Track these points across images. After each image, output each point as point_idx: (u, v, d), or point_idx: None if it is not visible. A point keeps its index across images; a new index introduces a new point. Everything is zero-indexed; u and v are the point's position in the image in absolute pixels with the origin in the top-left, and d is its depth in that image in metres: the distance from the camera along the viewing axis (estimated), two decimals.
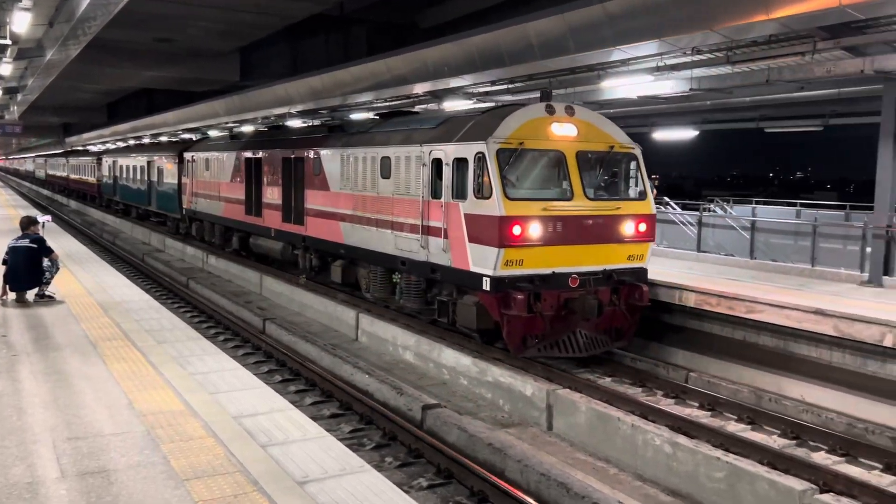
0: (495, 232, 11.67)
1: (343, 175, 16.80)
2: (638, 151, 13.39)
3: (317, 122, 25.39)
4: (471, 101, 20.26)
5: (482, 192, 11.97)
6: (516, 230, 11.69)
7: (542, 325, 12.09)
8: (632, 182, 13.48)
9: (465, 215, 12.37)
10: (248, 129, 29.06)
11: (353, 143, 16.63)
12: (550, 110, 12.70)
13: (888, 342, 10.41)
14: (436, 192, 13.27)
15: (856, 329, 10.83)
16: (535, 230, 11.91)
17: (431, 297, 14.20)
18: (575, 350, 12.44)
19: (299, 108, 24.88)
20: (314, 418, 9.17)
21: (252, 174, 22.33)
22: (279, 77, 24.88)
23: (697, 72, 15.70)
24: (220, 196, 25.10)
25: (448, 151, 12.83)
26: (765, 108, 22.66)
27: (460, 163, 12.63)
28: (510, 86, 19.02)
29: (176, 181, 30.02)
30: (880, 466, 9.03)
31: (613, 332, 13.00)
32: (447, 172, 12.83)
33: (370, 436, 10.20)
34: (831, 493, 7.68)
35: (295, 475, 5.68)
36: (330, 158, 17.54)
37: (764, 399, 11.26)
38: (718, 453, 8.54)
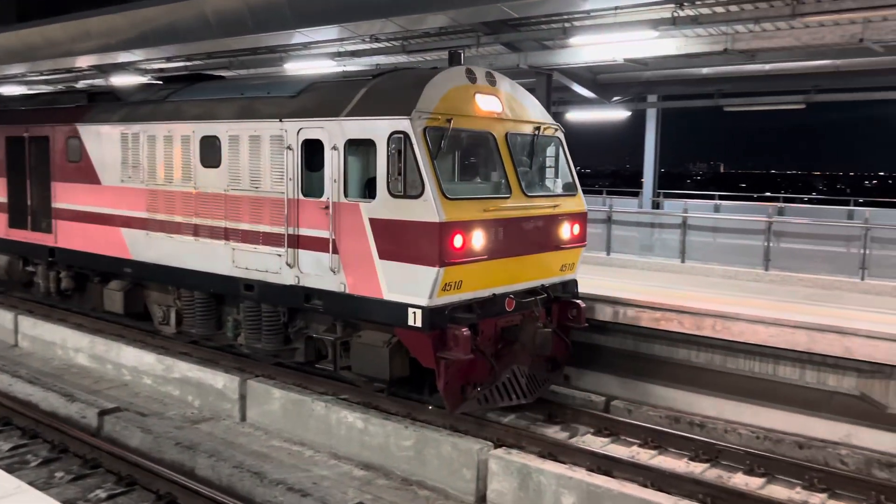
0: (433, 245, 8.36)
1: (126, 162, 12.12)
2: (562, 133, 10.66)
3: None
4: (147, 77, 18.87)
5: (405, 189, 8.52)
6: (458, 241, 8.51)
7: (486, 366, 9.15)
8: (556, 172, 10.69)
9: (374, 221, 8.88)
10: None
11: (144, 117, 11.93)
12: (471, 77, 9.46)
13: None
14: (310, 188, 9.66)
15: None
16: (478, 240, 8.77)
17: (295, 334, 10.54)
18: (519, 395, 9.69)
19: None
20: None
21: None
22: None
23: (377, 59, 16.26)
24: None
25: (335, 130, 9.22)
26: None
27: (361, 147, 9.21)
28: (188, 63, 18.07)
29: None
30: (542, 417, 10.18)
31: (548, 362, 10.28)
32: (334, 160, 9.24)
33: (36, 451, 9.05)
34: (503, 448, 8.49)
35: None
36: (99, 138, 12.61)
37: None
38: (406, 423, 8.97)
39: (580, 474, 7.63)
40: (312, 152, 9.62)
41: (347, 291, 9.24)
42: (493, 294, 9.15)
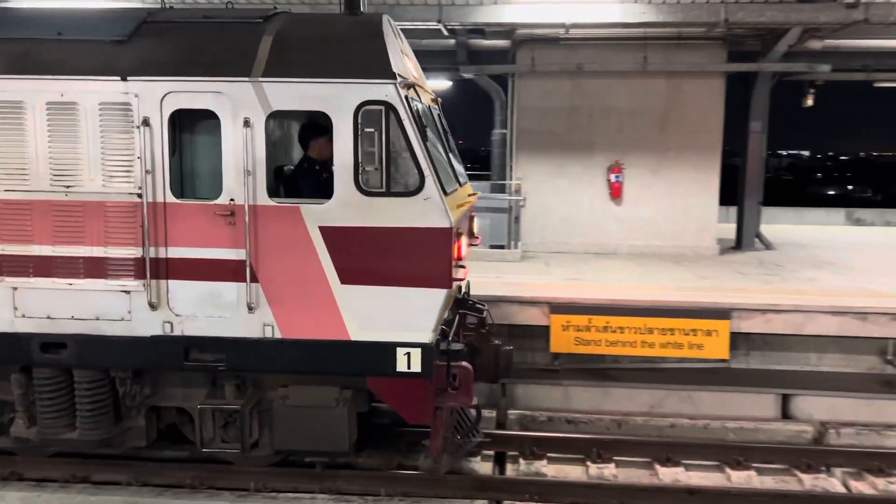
0: (442, 258, 6.27)
1: None
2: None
3: None
4: None
5: (388, 183, 6.20)
6: (456, 250, 6.47)
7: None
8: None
9: (330, 231, 6.30)
10: None
11: None
12: (393, 29, 7.15)
13: None
14: (190, 185, 6.82)
15: None
16: (462, 246, 6.83)
17: (137, 407, 7.09)
18: (473, 432, 7.56)
19: None
20: None
21: None
22: None
23: None
24: None
25: (246, 98, 6.31)
26: None
27: (295, 122, 7.12)
28: None
29: None
30: None
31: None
32: (248, 142, 6.31)
33: None
34: None
35: None
36: None
37: None
38: None
39: (50, 490, 6.77)
40: (187, 130, 6.65)
41: (278, 336, 6.45)
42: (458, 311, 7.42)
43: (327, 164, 6.46)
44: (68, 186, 6.50)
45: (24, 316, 6.67)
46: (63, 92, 6.44)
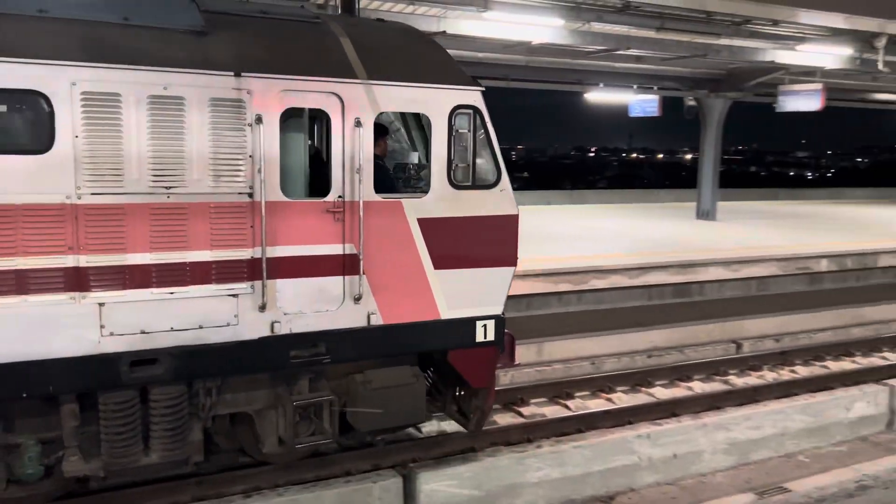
0: (512, 241, 7.36)
1: None
2: None
3: None
4: None
5: (474, 178, 7.08)
6: None
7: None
8: None
9: (426, 222, 6.92)
10: None
11: None
12: None
13: None
14: (295, 184, 6.63)
15: None
16: None
17: (207, 418, 6.66)
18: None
19: None
20: None
21: None
22: None
23: None
24: None
25: (359, 99, 6.51)
26: None
27: (395, 123, 7.76)
28: None
29: None
30: None
31: None
32: (359, 141, 6.54)
33: None
34: None
35: None
36: None
37: None
38: None
39: None
40: (291, 128, 6.53)
41: (381, 322, 6.82)
42: None
43: (385, 159, 7.42)
44: (169, 188, 5.94)
45: (112, 334, 5.87)
46: (167, 85, 5.85)
